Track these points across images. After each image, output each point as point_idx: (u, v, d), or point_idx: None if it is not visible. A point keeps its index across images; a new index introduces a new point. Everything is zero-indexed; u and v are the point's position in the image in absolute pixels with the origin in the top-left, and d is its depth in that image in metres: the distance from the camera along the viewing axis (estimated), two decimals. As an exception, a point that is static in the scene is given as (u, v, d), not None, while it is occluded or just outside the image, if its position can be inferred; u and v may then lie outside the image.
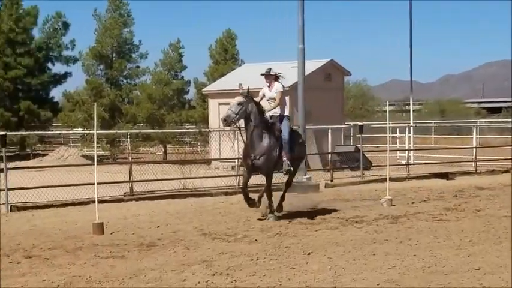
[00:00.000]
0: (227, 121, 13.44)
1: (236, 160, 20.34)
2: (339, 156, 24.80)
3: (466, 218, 13.29)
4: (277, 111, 14.04)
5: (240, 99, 13.57)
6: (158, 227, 12.72)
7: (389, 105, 34.86)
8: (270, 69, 14.44)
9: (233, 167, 21.38)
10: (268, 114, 13.92)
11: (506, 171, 24.03)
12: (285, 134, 13.81)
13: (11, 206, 15.45)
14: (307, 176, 19.79)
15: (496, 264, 8.93)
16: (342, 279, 8.42)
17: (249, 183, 13.96)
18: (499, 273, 8.46)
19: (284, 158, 13.74)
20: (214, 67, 39.65)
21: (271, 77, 14.31)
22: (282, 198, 14.33)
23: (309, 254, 9.97)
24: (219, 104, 28.46)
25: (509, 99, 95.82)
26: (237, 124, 13.84)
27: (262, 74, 14.40)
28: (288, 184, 14.55)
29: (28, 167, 22.34)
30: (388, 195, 15.63)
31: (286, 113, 14.22)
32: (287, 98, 25.23)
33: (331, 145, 23.17)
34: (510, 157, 25.83)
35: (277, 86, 14.15)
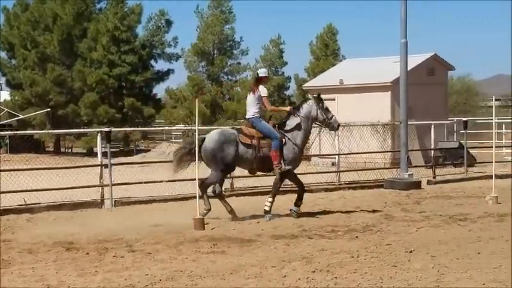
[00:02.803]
0: None
1: (337, 156, 20.20)
2: (441, 152, 24.30)
3: None
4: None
5: None
6: (258, 222, 12.75)
7: (495, 100, 33.86)
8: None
9: (333, 163, 21.23)
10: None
11: None
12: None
13: (115, 200, 15.80)
14: (409, 173, 19.48)
15: None
16: (445, 278, 8.23)
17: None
18: None
19: None
20: (315, 63, 39.56)
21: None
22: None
23: (411, 252, 9.79)
24: (321, 100, 28.32)
25: None
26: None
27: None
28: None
29: (132, 163, 22.79)
30: (494, 193, 15.21)
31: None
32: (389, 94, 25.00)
33: (434, 141, 22.74)
34: None
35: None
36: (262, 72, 14.13)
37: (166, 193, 16.64)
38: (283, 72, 37.91)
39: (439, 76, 28.42)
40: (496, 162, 16.85)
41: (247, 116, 13.84)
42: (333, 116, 14.10)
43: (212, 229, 12.02)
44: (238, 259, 9.54)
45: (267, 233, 11.62)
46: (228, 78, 39.00)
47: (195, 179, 13.02)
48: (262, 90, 13.72)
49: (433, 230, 11.80)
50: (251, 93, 13.79)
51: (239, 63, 38.80)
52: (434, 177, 20.83)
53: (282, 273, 8.65)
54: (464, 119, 23.44)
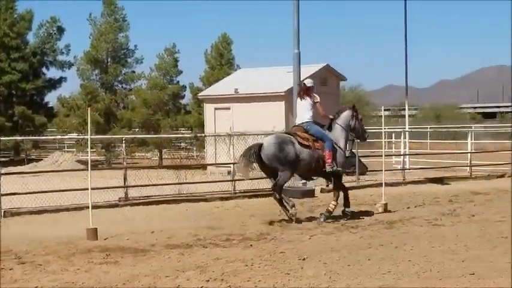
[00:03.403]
0: None
1: (232, 165, 20.29)
2: (334, 161, 24.70)
3: (461, 223, 13.29)
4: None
5: None
6: (153, 232, 12.66)
7: (385, 110, 34.74)
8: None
9: (229, 172, 21.31)
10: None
11: (501, 176, 24.04)
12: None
13: (4, 211, 15.37)
14: (303, 181, 19.75)
15: (490, 269, 8.91)
16: (337, 285, 8.40)
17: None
18: (493, 278, 8.44)
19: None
20: (210, 72, 39.54)
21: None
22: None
23: (304, 259, 9.94)
24: (215, 108, 28.44)
25: (504, 105, 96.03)
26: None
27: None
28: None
29: (22, 172, 22.23)
30: (384, 200, 15.62)
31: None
32: (283, 103, 25.30)
33: (326, 150, 23.12)
34: (505, 162, 25.86)
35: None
36: (309, 82, 14.99)
37: (58, 203, 16.31)
38: (178, 81, 37.70)
39: (332, 86, 28.95)
40: (385, 170, 17.32)
41: (298, 121, 14.70)
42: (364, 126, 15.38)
43: (105, 239, 11.86)
44: (132, 269, 9.45)
45: (161, 242, 11.56)
46: (122, 87, 38.53)
47: (87, 189, 12.84)
48: (317, 97, 14.70)
49: (325, 237, 12.01)
50: (302, 100, 14.68)
51: (133, 72, 38.36)
52: (327, 186, 21.14)
53: (175, 282, 8.63)
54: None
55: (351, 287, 8.29)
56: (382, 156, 17.80)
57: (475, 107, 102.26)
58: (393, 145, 32.73)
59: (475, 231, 12.14)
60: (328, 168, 14.16)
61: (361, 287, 8.30)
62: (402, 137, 27.55)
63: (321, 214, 14.21)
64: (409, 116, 35.18)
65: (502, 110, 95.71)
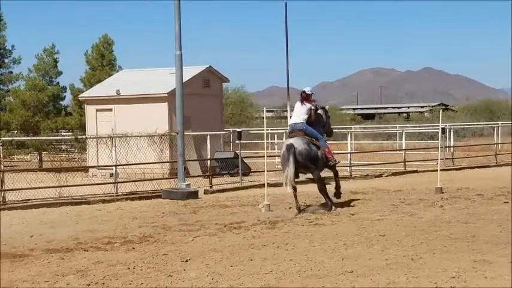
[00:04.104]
0: None
1: (114, 167, 20.04)
2: (218, 162, 24.87)
3: (341, 222, 13.59)
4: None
5: None
6: (32, 236, 12.36)
7: (268, 111, 35.13)
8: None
9: (111, 175, 21.04)
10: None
11: (379, 176, 24.75)
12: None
13: None
14: (187, 183, 19.73)
15: (368, 267, 9.16)
16: (219, 286, 8.44)
17: None
18: (371, 275, 8.67)
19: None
20: (91, 73, 38.86)
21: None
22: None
23: (186, 261, 9.93)
24: (97, 110, 27.99)
25: (382, 106, 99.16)
26: None
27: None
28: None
29: None
30: (266, 201, 15.79)
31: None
32: (166, 105, 25.21)
33: (210, 151, 23.22)
34: (383, 162, 26.68)
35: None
36: (308, 89, 16.53)
37: None
38: (58, 82, 36.87)
39: (215, 88, 29.06)
40: (268, 171, 17.52)
41: (297, 123, 16.15)
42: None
43: (-19, 245, 11.47)
44: (9, 275, 9.19)
45: (40, 247, 11.30)
46: (-1, 88, 37.37)
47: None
48: (313, 104, 16.41)
49: (208, 238, 12.04)
50: (302, 105, 16.22)
51: (11, 72, 37.35)
52: (211, 187, 21.27)
53: (55, 287, 8.45)
54: (238, 130, 24.16)
55: (233, 288, 8.36)
56: (264, 157, 17.97)
57: (355, 109, 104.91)
58: (276, 146, 33.18)
59: (354, 230, 12.44)
60: (331, 163, 16.28)
61: (243, 287, 8.37)
62: (285, 138, 27.85)
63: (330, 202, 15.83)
64: (291, 117, 35.69)
65: (380, 111, 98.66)
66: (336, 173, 16.74)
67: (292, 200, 16.58)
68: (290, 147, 15.40)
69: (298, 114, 16.24)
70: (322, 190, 15.92)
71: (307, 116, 16.10)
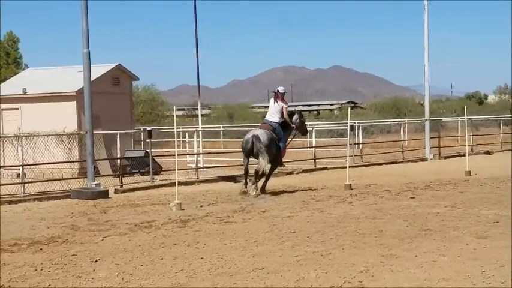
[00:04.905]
0: None
1: (21, 167, 19.59)
2: (128, 161, 24.63)
3: (252, 220, 13.66)
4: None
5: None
6: None
7: (179, 110, 35.01)
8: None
9: (18, 175, 20.56)
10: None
11: (290, 173, 25.01)
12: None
13: None
14: (96, 182, 19.47)
15: (278, 263, 9.23)
16: (129, 285, 8.36)
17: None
18: (281, 272, 8.75)
19: None
20: (-4, 71, 38.01)
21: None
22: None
23: (96, 261, 9.80)
24: (2, 109, 27.29)
25: (292, 104, 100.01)
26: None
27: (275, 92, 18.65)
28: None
29: None
30: (178, 199, 15.73)
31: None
32: (74, 103, 24.85)
33: (120, 150, 22.98)
34: (293, 160, 26.94)
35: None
36: (282, 89, 18.77)
37: None
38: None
39: (124, 86, 28.75)
40: (179, 169, 17.46)
41: (271, 120, 18.44)
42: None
43: None
44: None
45: None
46: None
47: None
48: (286, 103, 18.76)
49: (118, 238, 11.90)
50: (275, 103, 18.40)
51: None
52: (121, 186, 21.05)
53: (-41, 292, 8.20)
54: (148, 128, 23.99)
55: (143, 287, 8.29)
56: (175, 155, 17.92)
57: (266, 107, 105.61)
58: (187, 144, 33.10)
59: (265, 227, 12.52)
60: (281, 162, 19.12)
61: (153, 286, 8.32)
62: (195, 136, 27.85)
63: (255, 188, 17.73)
64: (203, 115, 35.71)
65: (290, 109, 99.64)
66: (271, 171, 18.83)
67: (204, 198, 16.63)
68: (254, 135, 17.89)
69: (273, 112, 18.44)
70: (262, 175, 18.11)
71: (280, 115, 18.38)
